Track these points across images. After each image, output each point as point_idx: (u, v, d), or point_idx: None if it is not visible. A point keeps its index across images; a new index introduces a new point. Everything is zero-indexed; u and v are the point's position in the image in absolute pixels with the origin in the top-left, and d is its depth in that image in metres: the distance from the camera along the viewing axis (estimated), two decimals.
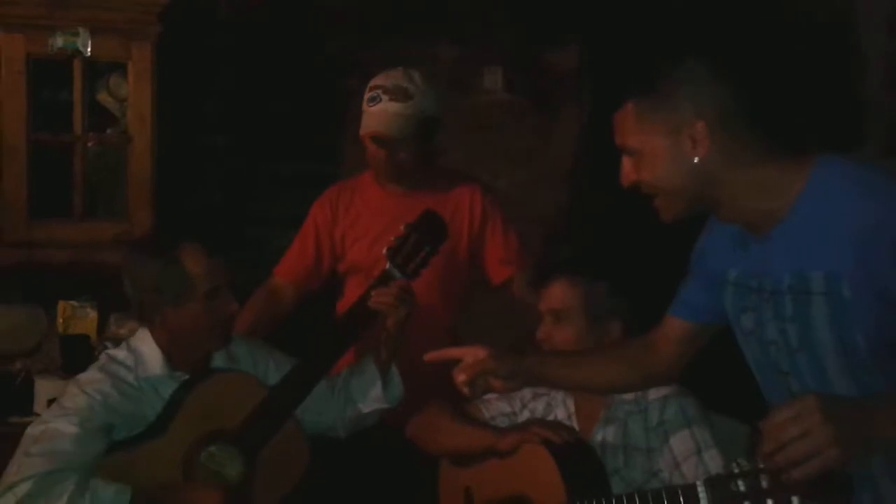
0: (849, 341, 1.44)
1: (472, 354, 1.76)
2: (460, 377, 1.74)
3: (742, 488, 1.40)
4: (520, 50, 3.54)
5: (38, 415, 2.54)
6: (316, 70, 3.43)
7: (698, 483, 1.56)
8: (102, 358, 1.97)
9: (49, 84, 2.91)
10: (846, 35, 3.17)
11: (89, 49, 2.82)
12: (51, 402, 2.42)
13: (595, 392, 1.94)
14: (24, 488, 1.72)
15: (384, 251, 2.06)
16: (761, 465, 1.38)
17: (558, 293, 1.99)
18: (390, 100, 2.38)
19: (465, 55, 3.51)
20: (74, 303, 2.83)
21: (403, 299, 2.03)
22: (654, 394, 1.94)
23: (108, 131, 2.99)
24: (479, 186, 2.59)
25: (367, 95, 2.42)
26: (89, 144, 2.96)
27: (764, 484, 1.38)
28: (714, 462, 1.86)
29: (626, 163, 1.54)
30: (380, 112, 2.39)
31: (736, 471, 1.41)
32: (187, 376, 1.92)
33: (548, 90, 3.55)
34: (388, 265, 2.05)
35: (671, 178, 1.49)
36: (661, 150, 1.48)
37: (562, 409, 2.02)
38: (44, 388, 2.63)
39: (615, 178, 1.63)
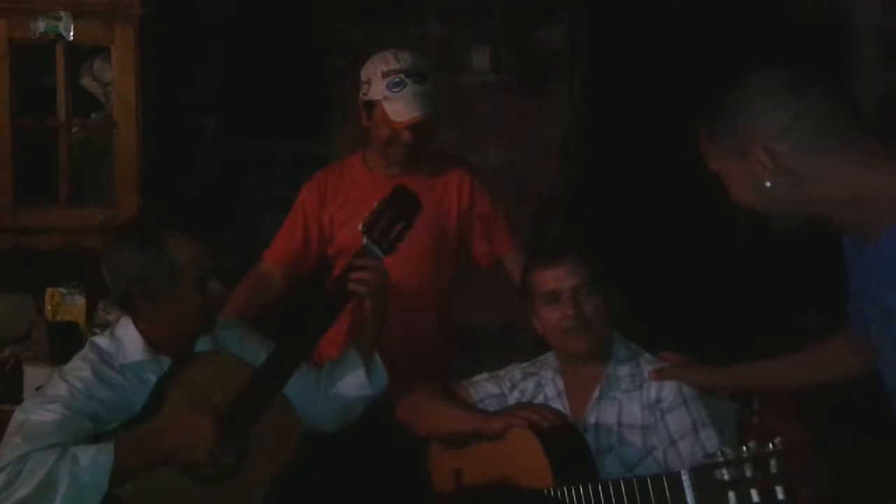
0: None
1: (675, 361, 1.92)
2: (651, 376, 1.92)
3: (726, 477, 1.40)
4: (508, 28, 3.51)
5: None
6: (304, 50, 3.40)
7: (682, 472, 1.56)
8: (86, 346, 1.96)
9: (32, 69, 2.87)
10: (838, 11, 3.15)
11: (72, 33, 2.78)
12: (39, 389, 2.42)
13: (816, 384, 1.84)
14: (3, 476, 1.72)
15: (359, 227, 2.05)
16: (745, 453, 1.37)
17: (568, 268, 1.96)
18: (415, 82, 2.36)
19: (452, 34, 3.48)
20: (62, 290, 2.82)
21: (378, 279, 2.02)
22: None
23: (93, 116, 2.96)
24: (468, 168, 2.59)
25: (384, 82, 2.36)
26: (74, 130, 2.93)
27: (748, 473, 1.38)
28: (711, 440, 1.87)
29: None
30: (414, 96, 2.35)
31: (720, 459, 1.40)
32: (170, 361, 1.92)
33: (537, 69, 3.53)
34: (364, 240, 2.04)
35: (754, 200, 1.40)
36: (736, 172, 1.40)
37: (551, 387, 2.02)
38: (33, 375, 2.64)
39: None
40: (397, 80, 2.36)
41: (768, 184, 1.36)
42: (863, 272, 1.40)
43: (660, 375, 1.90)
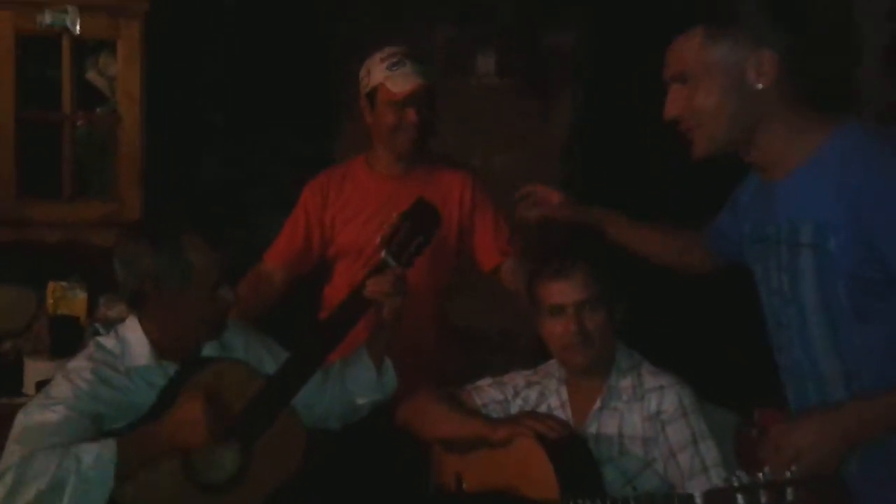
0: (830, 293, 1.52)
1: (548, 195, 2.18)
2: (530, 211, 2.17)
3: (741, 503, 1.38)
4: (513, 33, 3.51)
5: (27, 395, 2.56)
6: (310, 50, 3.40)
7: (696, 494, 1.55)
8: (90, 345, 1.94)
9: (38, 61, 2.88)
10: (844, 18, 3.14)
11: (78, 26, 2.78)
12: (40, 383, 2.42)
13: (661, 261, 2.06)
14: (9, 478, 1.71)
15: (378, 239, 2.05)
16: (761, 478, 1.37)
17: (574, 283, 1.94)
18: (414, 62, 2.43)
19: (460, 37, 3.48)
20: (64, 284, 2.82)
21: (398, 288, 2.02)
22: (652, 383, 1.95)
23: (98, 110, 2.96)
24: (470, 173, 2.59)
25: (383, 65, 2.42)
26: (78, 123, 2.93)
27: (763, 499, 1.36)
28: (710, 453, 1.87)
29: (676, 93, 1.59)
30: (411, 72, 2.41)
31: (735, 484, 1.39)
32: (175, 365, 1.90)
33: (542, 73, 3.52)
34: (383, 254, 2.03)
35: (725, 106, 1.53)
36: (724, 75, 1.52)
37: (555, 397, 2.02)
38: (33, 368, 2.64)
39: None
40: (396, 60, 2.42)
41: (760, 86, 1.51)
42: (765, 208, 1.62)
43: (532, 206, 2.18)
